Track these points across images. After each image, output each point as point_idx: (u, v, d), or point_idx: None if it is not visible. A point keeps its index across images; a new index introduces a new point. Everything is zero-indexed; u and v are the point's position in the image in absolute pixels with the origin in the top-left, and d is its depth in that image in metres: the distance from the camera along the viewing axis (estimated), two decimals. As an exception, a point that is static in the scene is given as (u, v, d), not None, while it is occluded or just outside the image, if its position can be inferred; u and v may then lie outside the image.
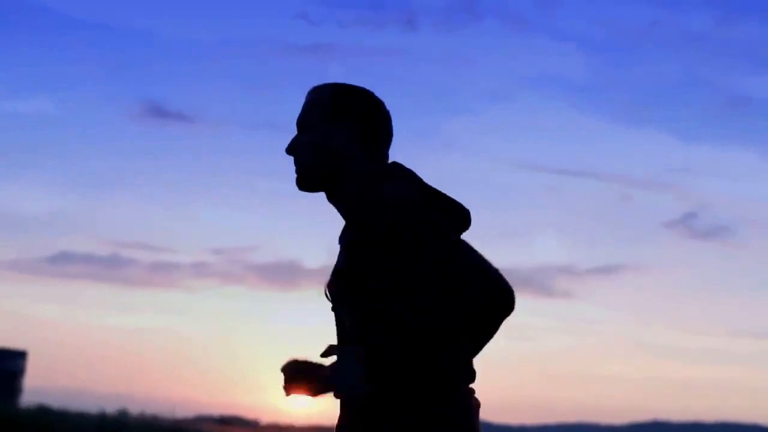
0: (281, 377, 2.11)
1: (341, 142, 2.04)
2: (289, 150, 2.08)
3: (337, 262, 2.05)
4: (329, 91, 2.08)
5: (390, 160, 2.08)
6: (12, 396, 33.55)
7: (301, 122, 2.09)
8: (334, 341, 2.05)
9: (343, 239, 2.05)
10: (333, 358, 2.03)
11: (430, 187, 1.97)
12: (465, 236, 1.98)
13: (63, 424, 18.48)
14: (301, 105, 2.12)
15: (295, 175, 2.08)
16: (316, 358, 2.07)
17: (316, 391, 2.10)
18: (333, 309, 2.05)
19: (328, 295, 2.05)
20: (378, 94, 2.12)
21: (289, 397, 2.12)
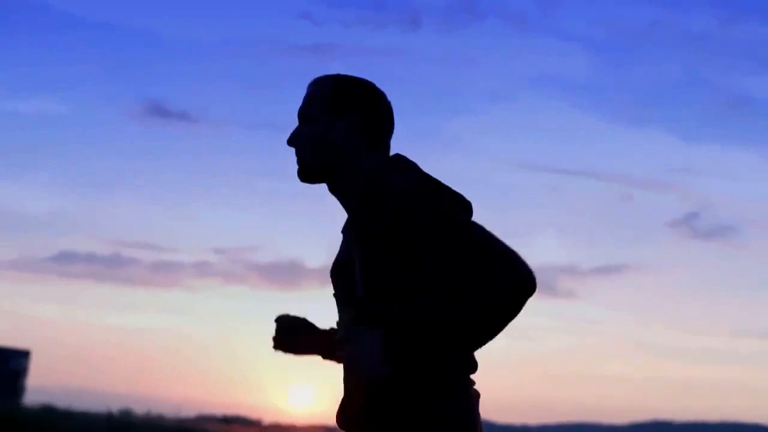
0: (274, 329, 2.13)
1: (342, 134, 2.03)
2: (290, 141, 2.08)
3: (339, 251, 2.06)
4: (330, 82, 2.08)
5: (392, 153, 2.08)
6: (15, 395, 33.58)
7: (303, 113, 2.08)
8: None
9: (346, 231, 2.05)
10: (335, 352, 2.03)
11: (433, 178, 1.96)
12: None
13: (68, 423, 18.50)
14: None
15: (297, 167, 2.08)
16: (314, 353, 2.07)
17: (303, 352, 2.13)
18: (335, 296, 2.06)
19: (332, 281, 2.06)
20: (379, 93, 2.11)
21: (276, 352, 2.14)
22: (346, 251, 2.03)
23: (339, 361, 2.09)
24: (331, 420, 2.01)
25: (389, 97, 2.11)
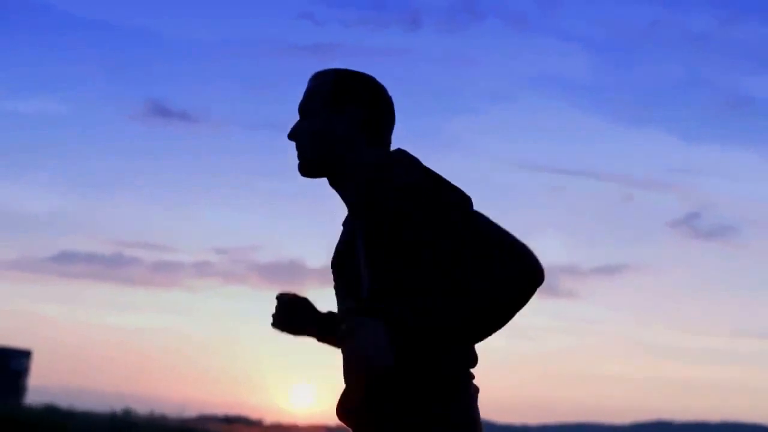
0: (275, 306, 2.12)
1: (343, 129, 2.02)
2: (291, 136, 2.07)
3: (339, 242, 2.07)
4: (331, 76, 2.07)
5: (393, 148, 2.07)
6: (16, 395, 33.60)
7: (303, 108, 2.08)
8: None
9: (347, 224, 2.06)
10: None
11: (435, 173, 1.95)
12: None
13: (71, 423, 18.51)
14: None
15: (297, 162, 2.07)
16: (315, 346, 2.07)
17: (301, 332, 2.13)
18: (335, 287, 2.06)
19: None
20: (379, 93, 2.10)
21: (274, 329, 2.13)
22: (345, 242, 2.04)
23: (335, 346, 2.10)
24: (332, 420, 2.02)
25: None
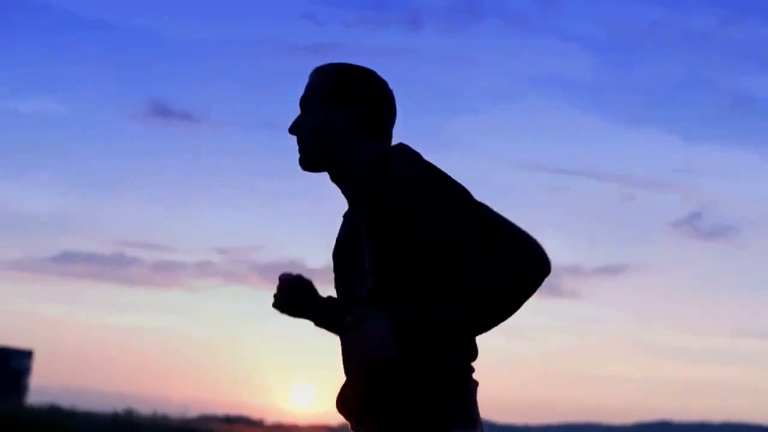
0: (277, 287, 2.09)
1: (343, 123, 2.02)
2: (292, 130, 2.07)
3: (339, 234, 2.07)
4: (332, 71, 2.07)
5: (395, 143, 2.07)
6: (18, 395, 33.61)
7: (304, 102, 2.08)
8: (336, 339, 2.06)
9: (347, 216, 2.06)
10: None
11: (436, 167, 1.96)
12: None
13: (74, 423, 18.51)
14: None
15: (298, 155, 2.07)
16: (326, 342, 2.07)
17: (300, 315, 2.10)
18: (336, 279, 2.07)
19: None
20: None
21: (274, 309, 2.11)
22: (345, 235, 2.04)
23: (333, 332, 2.10)
24: (332, 420, 2.03)
25: (390, 96, 2.10)
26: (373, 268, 1.93)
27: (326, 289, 2.11)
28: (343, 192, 2.07)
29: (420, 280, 1.89)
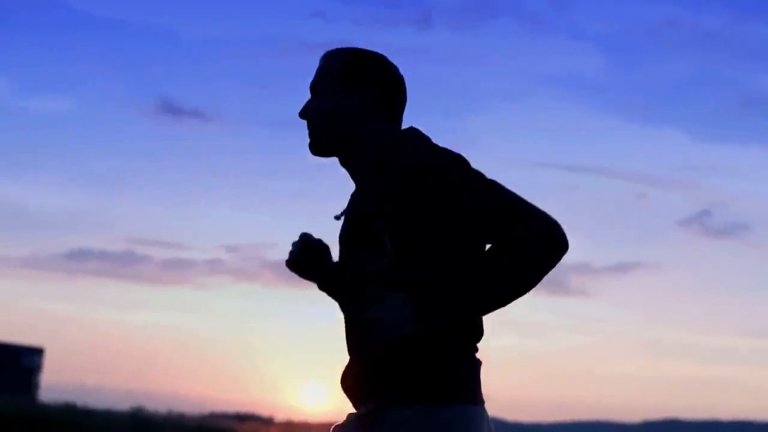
0: (298, 245, 2.10)
1: (353, 108, 2.02)
2: (302, 114, 2.08)
3: (345, 216, 2.07)
4: (342, 55, 2.06)
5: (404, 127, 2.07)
6: (29, 392, 33.73)
7: (314, 86, 2.08)
8: (341, 328, 2.06)
9: (354, 200, 2.05)
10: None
11: (446, 150, 1.96)
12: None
13: (91, 421, 18.55)
14: None
15: (308, 140, 2.07)
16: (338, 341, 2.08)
17: (311, 278, 2.12)
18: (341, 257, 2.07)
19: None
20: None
21: (288, 268, 2.13)
22: (352, 217, 2.03)
23: (334, 298, 2.10)
24: (343, 418, 2.03)
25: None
26: (383, 249, 1.92)
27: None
28: (353, 176, 2.07)
29: (429, 264, 1.89)
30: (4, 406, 19.03)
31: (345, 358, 2.05)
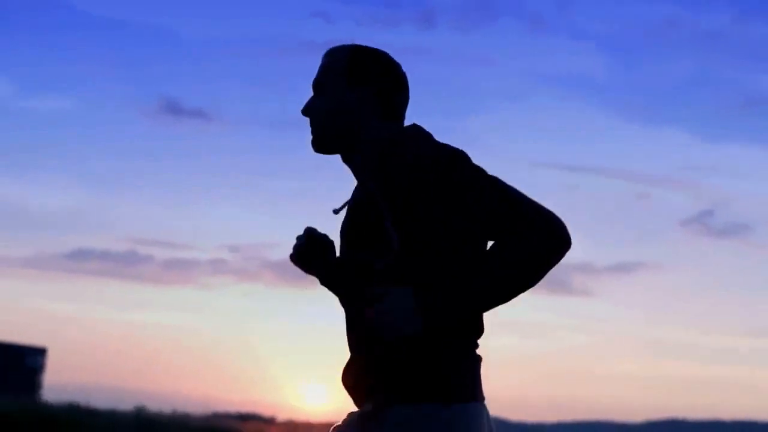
0: (304, 238, 2.11)
1: (356, 105, 2.02)
2: (305, 111, 2.08)
3: (347, 210, 2.07)
4: (345, 52, 2.07)
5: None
6: (32, 392, 33.75)
7: (317, 84, 2.08)
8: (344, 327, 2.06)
9: (355, 195, 2.06)
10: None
11: (449, 146, 1.96)
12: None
13: (95, 420, 18.54)
14: None
15: (311, 137, 2.08)
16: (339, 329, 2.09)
17: (313, 273, 2.12)
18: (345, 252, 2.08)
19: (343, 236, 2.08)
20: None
21: (292, 263, 2.13)
22: (353, 209, 2.05)
23: (335, 293, 2.11)
24: (344, 417, 2.03)
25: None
26: (389, 245, 1.92)
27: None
28: (355, 173, 2.07)
29: (430, 262, 1.89)
30: (7, 405, 19.02)
31: (346, 357, 2.05)
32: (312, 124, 2.07)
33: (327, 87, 2.06)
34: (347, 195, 2.11)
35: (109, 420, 19.06)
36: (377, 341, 1.90)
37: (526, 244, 1.86)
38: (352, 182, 2.10)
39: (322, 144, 2.07)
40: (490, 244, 1.95)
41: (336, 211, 2.08)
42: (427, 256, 1.90)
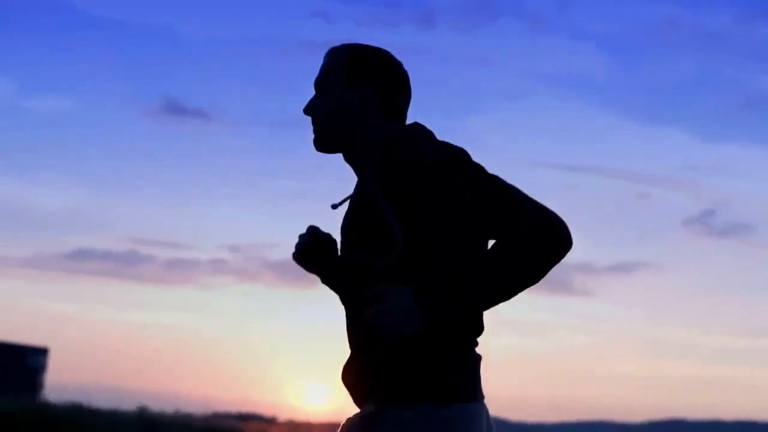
0: (307, 237, 2.11)
1: (357, 104, 2.03)
2: (306, 111, 2.08)
3: (348, 207, 2.08)
4: (346, 52, 2.07)
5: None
6: (33, 392, 33.76)
7: (319, 83, 2.09)
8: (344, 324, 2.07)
9: (356, 192, 2.06)
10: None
11: (450, 145, 1.96)
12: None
13: (97, 420, 18.54)
14: None
15: (313, 136, 2.08)
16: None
17: (315, 272, 2.13)
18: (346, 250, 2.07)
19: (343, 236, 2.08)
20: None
21: (294, 261, 2.14)
22: (354, 205, 2.05)
23: (336, 292, 2.10)
24: (346, 418, 2.03)
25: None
26: (391, 243, 1.92)
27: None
28: (357, 172, 2.07)
29: (431, 261, 1.89)
30: (9, 405, 19.03)
31: (347, 356, 2.05)
32: (314, 124, 2.08)
33: (328, 86, 2.06)
34: (348, 195, 2.11)
35: (112, 420, 19.07)
36: (377, 341, 1.90)
37: (527, 243, 1.86)
38: (353, 182, 2.10)
39: (323, 143, 2.07)
40: (491, 243, 1.95)
41: (335, 206, 2.08)
42: (428, 255, 1.90)
